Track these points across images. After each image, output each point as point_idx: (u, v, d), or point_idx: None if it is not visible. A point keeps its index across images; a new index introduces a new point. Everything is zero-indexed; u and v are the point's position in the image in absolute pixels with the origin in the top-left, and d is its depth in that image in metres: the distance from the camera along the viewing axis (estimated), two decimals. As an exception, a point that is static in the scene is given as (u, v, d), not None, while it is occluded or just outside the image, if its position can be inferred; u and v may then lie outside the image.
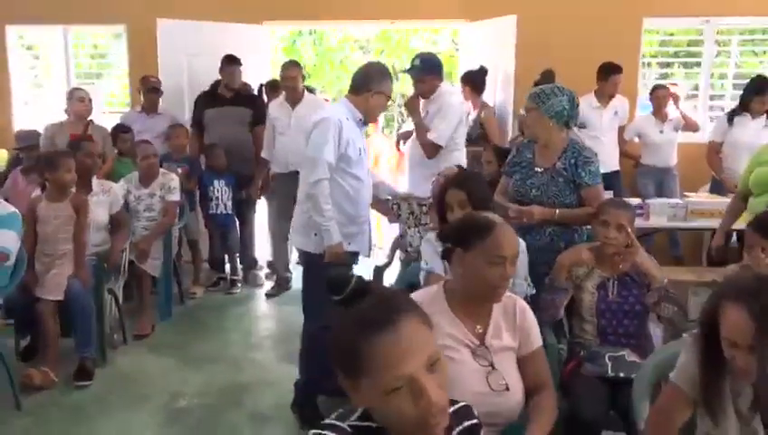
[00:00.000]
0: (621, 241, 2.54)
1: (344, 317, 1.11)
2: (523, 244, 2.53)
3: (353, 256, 3.11)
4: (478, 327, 1.93)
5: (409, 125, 4.93)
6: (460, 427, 1.25)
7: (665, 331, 3.03)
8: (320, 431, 1.13)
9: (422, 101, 3.96)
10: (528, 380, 1.94)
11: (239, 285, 5.22)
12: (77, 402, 3.36)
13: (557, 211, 2.81)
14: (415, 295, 1.95)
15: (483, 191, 2.62)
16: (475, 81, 5.13)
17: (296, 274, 5.27)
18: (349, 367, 1.08)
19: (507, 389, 1.86)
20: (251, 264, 5.42)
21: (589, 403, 2.29)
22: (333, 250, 2.96)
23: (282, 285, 5.15)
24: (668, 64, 6.52)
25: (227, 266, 5.30)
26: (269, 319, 4.74)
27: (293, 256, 5.63)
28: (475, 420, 1.29)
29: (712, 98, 6.04)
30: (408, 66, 4.00)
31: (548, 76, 4.72)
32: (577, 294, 2.61)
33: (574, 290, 2.61)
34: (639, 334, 2.58)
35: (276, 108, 4.97)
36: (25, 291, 3.48)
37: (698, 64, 6.13)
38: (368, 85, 3.04)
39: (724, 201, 4.21)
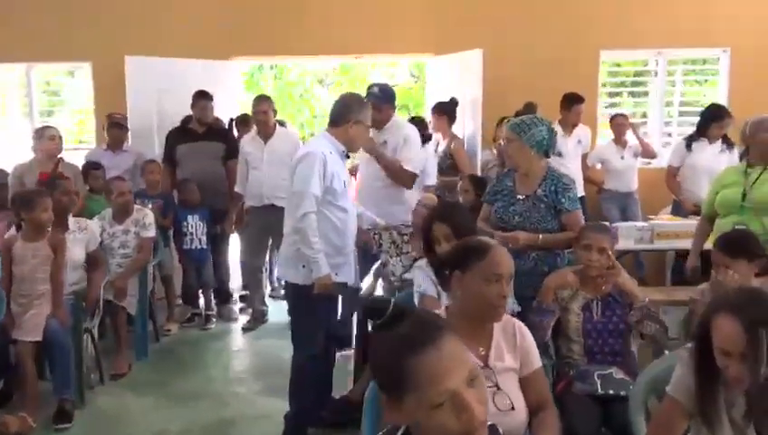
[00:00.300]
0: (603, 263, 2.67)
1: (386, 339, 1.16)
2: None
3: (341, 287, 3.16)
4: (481, 349, 2.00)
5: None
6: None
7: (640, 347, 3.15)
8: None
9: (374, 132, 3.76)
10: (530, 399, 2.00)
11: (214, 320, 5.17)
12: (58, 447, 3.27)
13: (540, 236, 2.92)
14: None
15: (467, 222, 2.74)
16: (447, 111, 5.27)
17: (271, 307, 5.26)
18: (393, 386, 1.13)
19: (513, 408, 1.93)
20: (225, 298, 5.38)
21: (582, 421, 2.37)
22: (322, 281, 3.00)
23: (258, 318, 5.12)
24: (618, 94, 6.85)
25: (201, 301, 5.25)
26: (248, 353, 4.70)
27: (268, 290, 5.63)
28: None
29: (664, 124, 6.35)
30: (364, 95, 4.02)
31: (530, 108, 4.90)
32: (563, 315, 2.71)
33: (561, 312, 2.71)
34: (624, 352, 2.69)
35: (249, 142, 5.01)
36: (1, 333, 3.39)
37: (645, 93, 6.46)
38: (346, 116, 3.11)
39: (686, 223, 4.42)
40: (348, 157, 3.23)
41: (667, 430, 1.83)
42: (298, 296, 3.16)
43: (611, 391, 2.51)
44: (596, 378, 2.56)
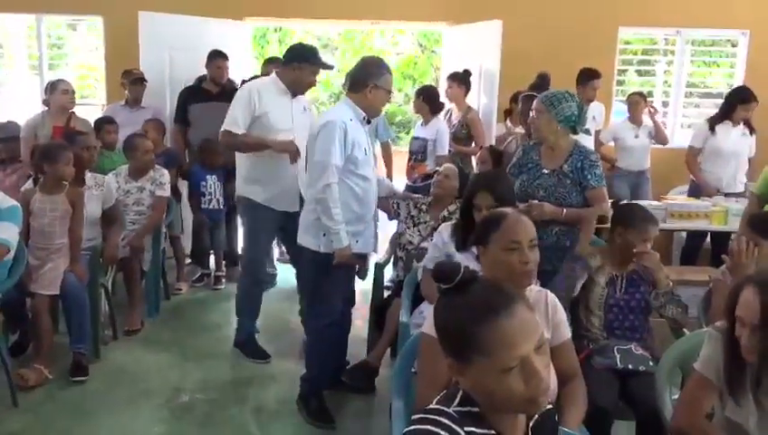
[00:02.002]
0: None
1: (457, 305, 1.18)
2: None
3: (360, 258, 3.18)
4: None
5: None
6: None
7: (657, 325, 3.18)
8: (426, 416, 1.20)
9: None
10: (559, 369, 2.03)
11: (224, 281, 5.19)
12: (75, 399, 3.31)
13: (564, 210, 2.93)
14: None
15: (510, 192, 2.76)
16: (466, 82, 5.23)
17: (279, 270, 5.28)
18: (462, 349, 1.16)
19: (544, 379, 1.96)
20: (235, 260, 5.38)
21: (602, 393, 2.41)
22: (342, 253, 3.01)
23: (267, 281, 5.13)
24: (624, 72, 6.81)
25: (212, 262, 5.27)
26: (262, 317, 4.72)
27: (276, 253, 5.65)
28: (550, 406, 1.38)
29: (665, 104, 6.33)
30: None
31: (544, 79, 4.87)
32: (589, 285, 2.72)
33: (587, 281, 2.72)
34: (643, 329, 2.73)
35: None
36: (19, 286, 3.40)
37: (652, 72, 6.41)
38: (365, 81, 3.04)
39: (701, 204, 4.45)
40: (368, 122, 3.19)
41: (695, 405, 1.88)
42: (317, 263, 3.13)
43: (630, 366, 2.55)
44: (615, 352, 2.59)
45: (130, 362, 3.75)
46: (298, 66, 3.58)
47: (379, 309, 3.56)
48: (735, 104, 4.85)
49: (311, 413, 3.14)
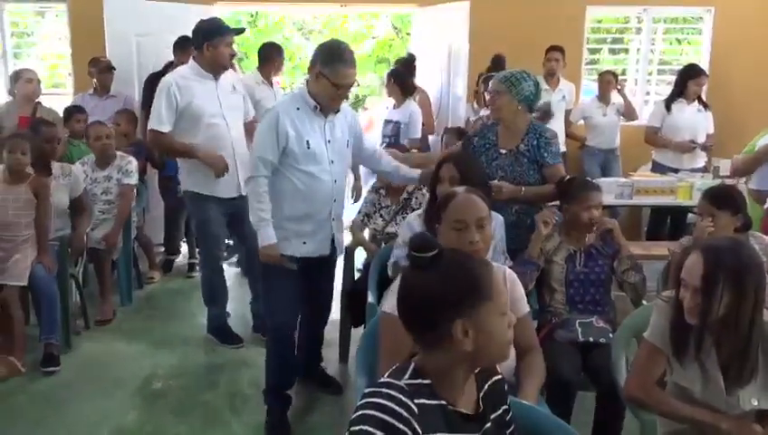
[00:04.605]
0: (598, 219, 2.78)
1: (453, 269, 1.29)
2: (500, 219, 2.68)
3: (291, 260, 2.84)
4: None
5: None
6: (490, 380, 1.42)
7: (618, 298, 3.26)
8: (378, 389, 1.23)
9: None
10: (517, 343, 2.06)
11: (197, 268, 5.18)
12: (48, 389, 3.31)
13: (523, 189, 2.97)
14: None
15: (477, 167, 2.82)
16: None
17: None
18: (474, 297, 1.26)
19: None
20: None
21: (565, 365, 2.47)
22: (266, 251, 2.77)
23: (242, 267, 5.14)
24: (598, 50, 6.86)
25: (185, 249, 5.26)
26: (231, 301, 4.72)
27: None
28: (499, 376, 1.45)
29: (637, 82, 6.41)
30: None
31: (499, 61, 4.90)
32: (547, 266, 2.80)
33: (545, 263, 2.79)
34: (604, 302, 2.80)
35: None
36: (-14, 278, 3.39)
37: (625, 51, 6.48)
38: (312, 65, 2.76)
39: (665, 180, 4.54)
40: (325, 113, 2.78)
41: (646, 373, 1.94)
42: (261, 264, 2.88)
43: (591, 339, 2.62)
44: (577, 326, 2.66)
45: (102, 352, 3.75)
46: (211, 44, 3.43)
47: (350, 293, 3.57)
48: (687, 80, 4.97)
49: (267, 427, 2.98)
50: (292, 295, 2.91)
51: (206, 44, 3.45)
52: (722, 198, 2.75)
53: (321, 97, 2.74)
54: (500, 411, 1.40)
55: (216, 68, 3.52)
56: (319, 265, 2.99)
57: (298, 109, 2.76)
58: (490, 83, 3.14)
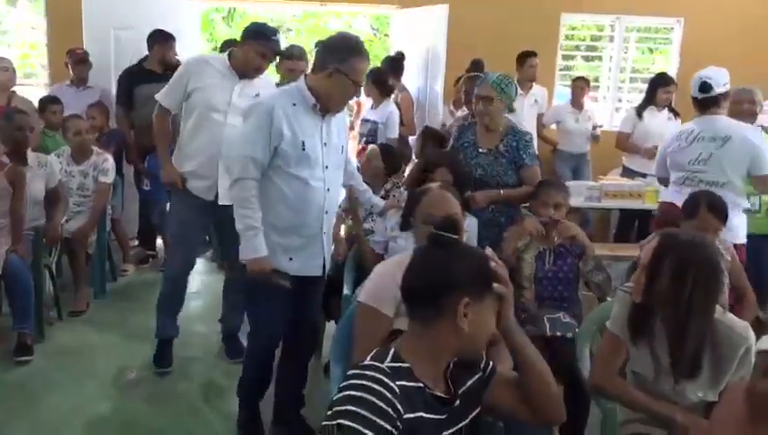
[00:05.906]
0: (558, 218, 2.86)
1: (472, 254, 1.43)
2: (474, 221, 2.78)
3: (283, 277, 2.56)
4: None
5: None
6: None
7: (586, 295, 3.37)
8: (362, 371, 1.30)
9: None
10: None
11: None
12: (21, 379, 3.30)
13: (502, 191, 3.08)
14: (391, 262, 2.15)
15: (466, 171, 2.92)
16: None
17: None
18: (485, 285, 1.39)
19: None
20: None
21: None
22: (256, 265, 2.48)
23: (217, 262, 5.16)
24: (572, 57, 7.03)
25: (159, 243, 5.26)
26: (207, 295, 4.73)
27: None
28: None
29: (609, 89, 6.58)
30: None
31: (478, 65, 5.00)
32: (518, 264, 2.88)
33: (515, 261, 2.88)
34: (571, 299, 2.90)
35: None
36: (-41, 266, 3.37)
37: (599, 58, 6.66)
38: (324, 62, 2.47)
39: (633, 184, 4.68)
40: (324, 112, 2.53)
41: (608, 362, 2.04)
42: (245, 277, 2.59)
43: (558, 333, 2.72)
44: (545, 321, 2.76)
45: (76, 342, 3.75)
46: (246, 44, 3.14)
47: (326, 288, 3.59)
48: (656, 88, 5.13)
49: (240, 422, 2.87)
50: (281, 311, 2.63)
51: (243, 42, 3.16)
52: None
53: (332, 97, 2.48)
54: (468, 384, 1.48)
55: (241, 69, 3.18)
56: (304, 290, 2.66)
57: (294, 105, 2.48)
58: (479, 87, 3.17)
